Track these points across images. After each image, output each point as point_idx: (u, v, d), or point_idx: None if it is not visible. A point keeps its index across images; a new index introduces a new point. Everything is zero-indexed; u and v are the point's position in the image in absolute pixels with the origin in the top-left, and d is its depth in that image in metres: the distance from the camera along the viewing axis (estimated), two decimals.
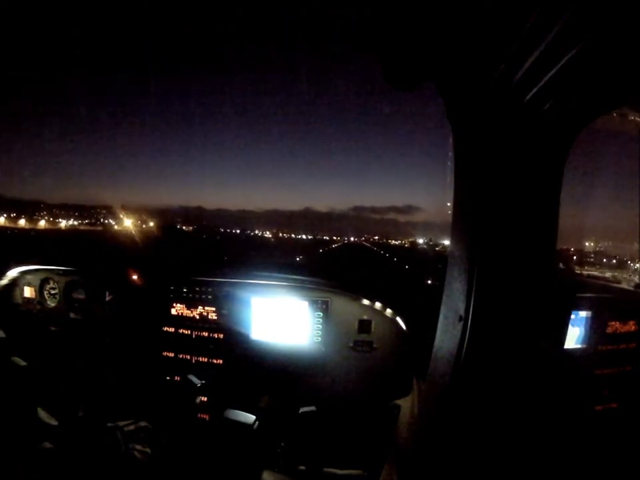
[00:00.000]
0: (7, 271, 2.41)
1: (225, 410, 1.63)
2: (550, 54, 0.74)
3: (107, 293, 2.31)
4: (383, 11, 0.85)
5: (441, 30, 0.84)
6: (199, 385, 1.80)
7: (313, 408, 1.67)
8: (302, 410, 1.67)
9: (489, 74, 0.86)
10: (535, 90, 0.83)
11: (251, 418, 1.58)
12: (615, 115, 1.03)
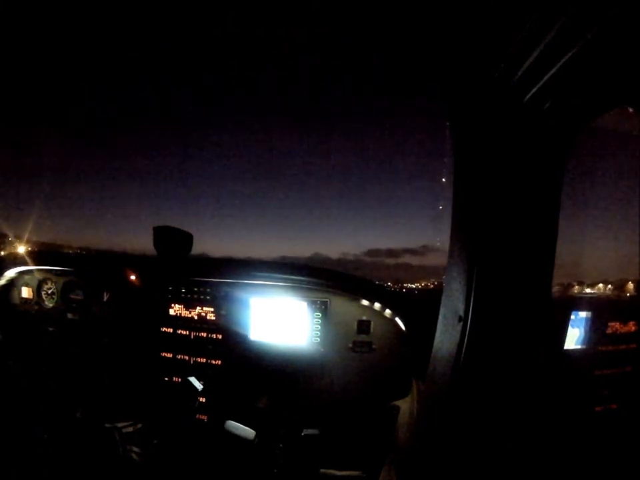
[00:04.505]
0: (4, 271, 2.40)
1: (225, 419, 1.63)
2: (549, 54, 0.74)
3: (105, 293, 2.30)
4: (383, 12, 0.85)
5: (440, 30, 0.84)
6: (200, 389, 1.79)
7: (316, 431, 1.66)
8: (305, 432, 1.66)
9: (488, 74, 0.86)
10: (534, 90, 0.83)
11: (251, 433, 1.59)
12: (615, 114, 1.03)
